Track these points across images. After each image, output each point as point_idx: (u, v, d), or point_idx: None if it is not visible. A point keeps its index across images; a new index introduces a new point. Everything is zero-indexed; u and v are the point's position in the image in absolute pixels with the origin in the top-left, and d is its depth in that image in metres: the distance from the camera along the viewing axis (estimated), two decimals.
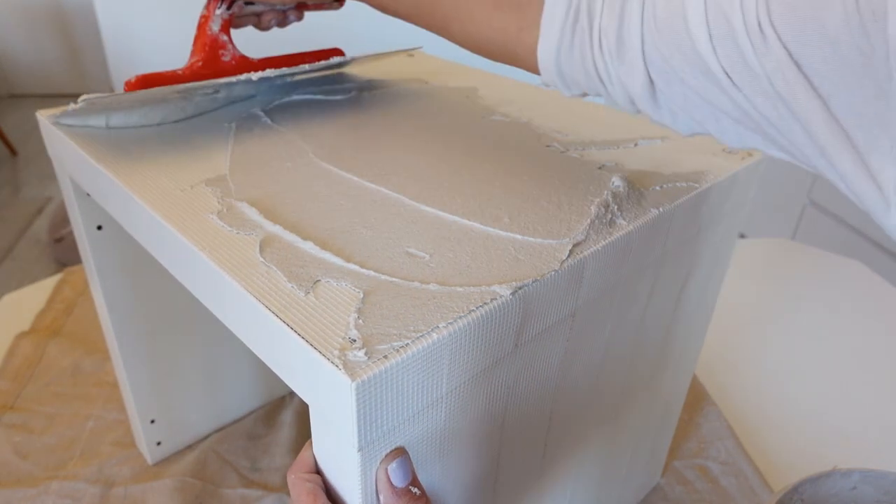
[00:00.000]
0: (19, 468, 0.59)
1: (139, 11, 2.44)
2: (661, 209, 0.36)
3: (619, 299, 0.37)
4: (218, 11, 0.45)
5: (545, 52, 0.32)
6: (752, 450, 0.66)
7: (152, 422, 0.59)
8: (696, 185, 0.40)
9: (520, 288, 0.29)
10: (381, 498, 0.26)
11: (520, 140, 0.45)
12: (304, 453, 0.29)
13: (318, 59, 0.51)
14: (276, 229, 0.33)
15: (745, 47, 0.25)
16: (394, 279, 0.29)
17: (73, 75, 3.45)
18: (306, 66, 0.49)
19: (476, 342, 0.28)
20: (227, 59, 0.46)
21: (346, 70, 0.57)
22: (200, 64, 0.45)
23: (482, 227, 0.34)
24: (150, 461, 0.60)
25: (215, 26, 0.46)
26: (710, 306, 0.51)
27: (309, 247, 0.31)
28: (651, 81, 0.30)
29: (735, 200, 0.44)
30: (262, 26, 0.49)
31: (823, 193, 1.83)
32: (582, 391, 0.38)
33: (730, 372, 0.76)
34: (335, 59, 0.51)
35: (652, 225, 0.36)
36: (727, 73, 0.27)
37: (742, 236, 1.93)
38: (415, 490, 0.26)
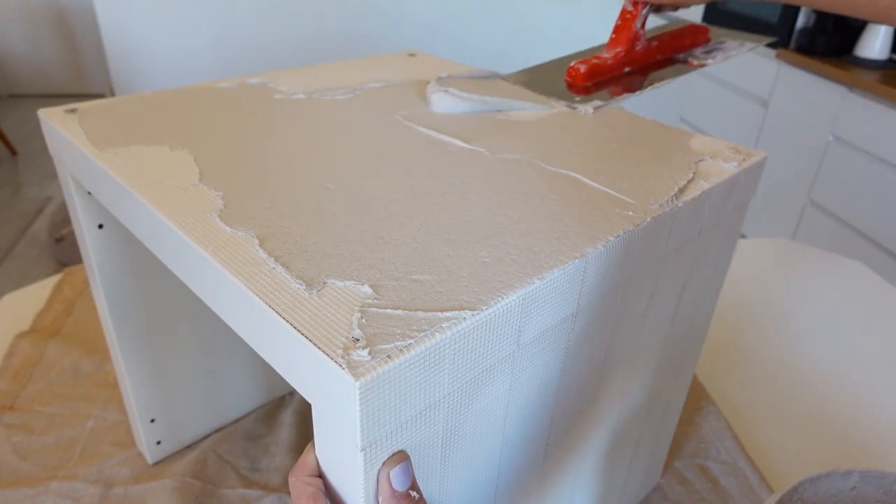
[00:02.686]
0: (19, 468, 0.59)
1: (139, 11, 2.44)
2: (662, 210, 0.36)
3: (620, 300, 0.37)
4: (644, 11, 0.53)
5: None
6: (752, 450, 0.66)
7: (152, 421, 0.59)
8: (698, 186, 0.40)
9: (522, 289, 0.29)
10: (381, 501, 0.26)
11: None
12: (305, 455, 0.29)
13: (690, 44, 0.58)
14: (280, 228, 0.33)
15: None
16: (398, 279, 0.29)
17: (73, 75, 3.45)
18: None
19: (479, 342, 0.28)
20: (638, 48, 0.54)
21: None
22: (622, 54, 0.53)
23: (485, 229, 0.34)
24: (150, 461, 0.60)
25: (638, 23, 0.53)
26: (711, 306, 0.51)
27: (313, 246, 0.31)
28: None
29: (736, 201, 0.45)
30: (659, 12, 0.58)
31: (823, 193, 1.83)
32: (583, 392, 0.38)
33: (730, 372, 0.76)
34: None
35: (653, 225, 0.36)
36: None
37: (742, 236, 1.94)
38: (414, 494, 0.26)
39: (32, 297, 0.83)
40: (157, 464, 0.61)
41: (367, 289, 0.28)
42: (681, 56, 0.57)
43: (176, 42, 2.51)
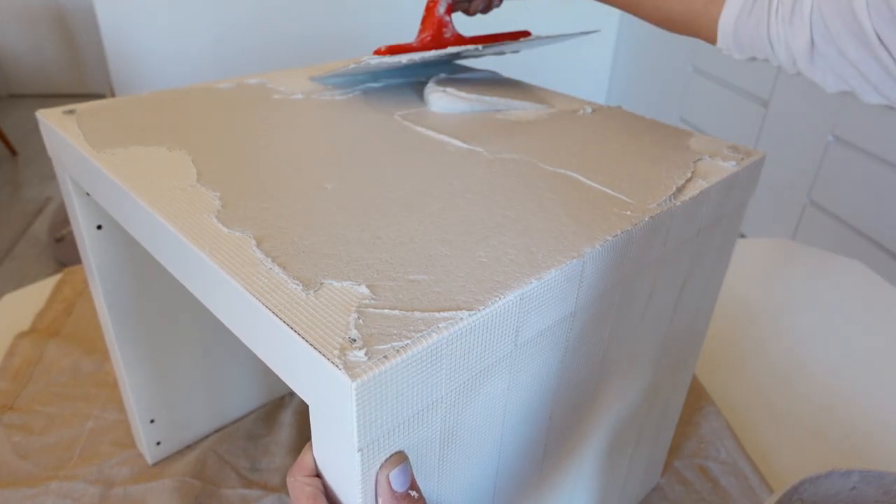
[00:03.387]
0: (19, 468, 0.59)
1: (139, 11, 2.44)
2: (660, 209, 0.36)
3: (619, 299, 0.37)
4: None
5: (726, 20, 0.41)
6: (752, 450, 0.66)
7: (152, 422, 0.59)
8: (696, 185, 0.40)
9: (520, 289, 0.29)
10: (380, 502, 0.26)
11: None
12: (303, 456, 0.29)
13: (508, 39, 0.60)
14: (277, 228, 0.33)
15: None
16: (394, 279, 0.29)
17: (73, 75, 3.45)
18: (479, 47, 0.57)
19: (476, 342, 0.28)
20: (447, 35, 0.57)
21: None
22: (429, 39, 0.56)
23: (482, 229, 0.34)
24: (149, 461, 0.60)
25: (441, 9, 0.57)
26: (711, 306, 0.51)
27: (310, 246, 0.31)
28: (812, 42, 0.38)
29: (735, 200, 0.44)
30: (469, 12, 0.61)
31: (823, 193, 1.83)
32: (582, 391, 0.38)
33: (730, 372, 0.76)
34: (523, 41, 0.61)
35: (652, 225, 0.36)
36: (877, 34, 0.35)
37: (742, 236, 1.93)
38: (413, 493, 0.26)
39: (32, 297, 0.83)
40: (157, 464, 0.61)
41: (364, 289, 0.28)
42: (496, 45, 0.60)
43: (176, 42, 2.51)
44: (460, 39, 0.58)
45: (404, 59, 0.51)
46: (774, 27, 0.40)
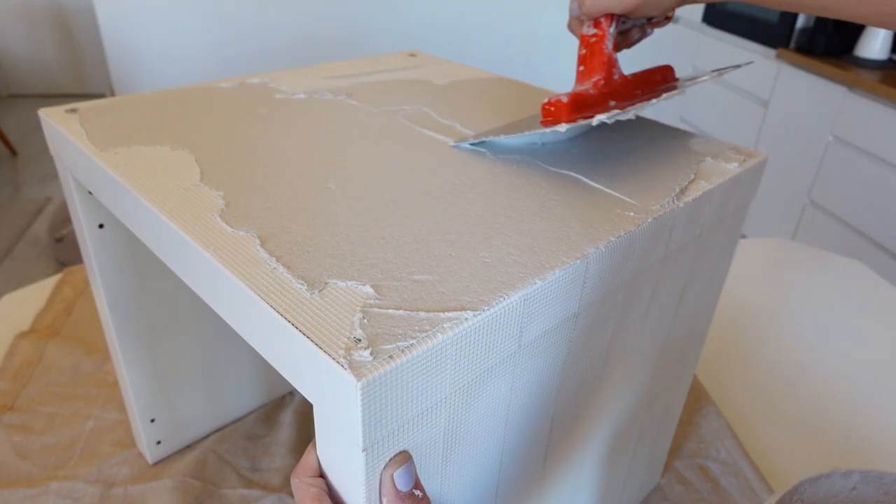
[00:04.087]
0: (19, 468, 0.59)
1: (139, 11, 2.44)
2: (663, 211, 0.36)
3: (621, 300, 0.37)
4: (612, 30, 0.45)
5: None
6: (752, 450, 0.66)
7: (152, 421, 0.59)
8: (699, 186, 0.40)
9: (524, 289, 0.29)
10: (385, 501, 0.26)
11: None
12: (307, 456, 0.29)
13: (662, 81, 0.51)
14: (281, 228, 0.33)
15: None
16: (399, 279, 0.29)
17: (73, 75, 3.45)
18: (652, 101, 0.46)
19: (480, 343, 0.28)
20: (616, 77, 0.46)
21: None
22: (603, 83, 0.45)
23: (486, 229, 0.34)
24: (150, 460, 0.60)
25: (609, 44, 0.45)
26: (712, 307, 0.51)
27: (314, 246, 0.31)
28: None
29: (737, 202, 0.45)
30: (627, 43, 0.50)
31: (823, 193, 1.83)
32: (584, 392, 0.38)
33: (730, 372, 0.76)
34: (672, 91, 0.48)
35: (654, 227, 0.36)
36: None
37: (742, 236, 1.94)
38: (417, 493, 0.26)
39: (32, 297, 0.83)
40: (157, 464, 0.61)
41: (368, 289, 0.28)
42: (658, 90, 0.49)
43: (176, 42, 2.51)
44: (626, 82, 0.47)
45: (594, 121, 0.39)
46: None
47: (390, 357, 0.24)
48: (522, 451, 0.36)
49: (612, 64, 0.45)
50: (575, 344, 0.34)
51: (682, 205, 0.38)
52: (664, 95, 0.44)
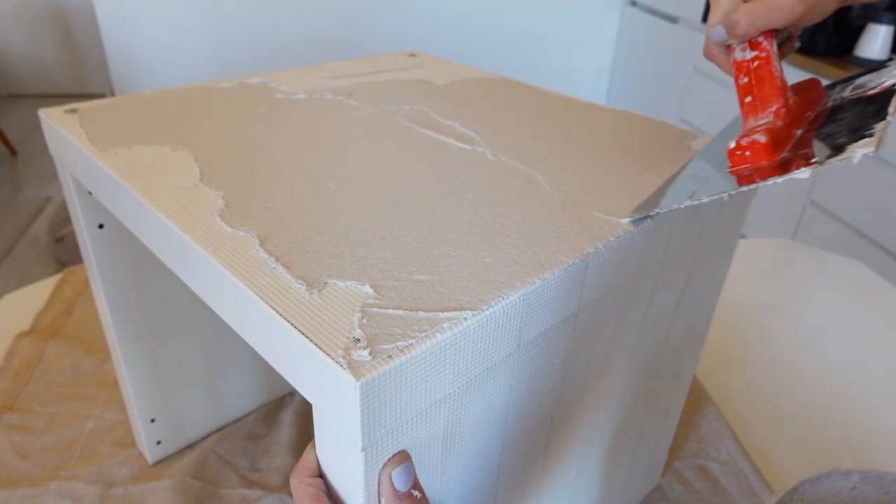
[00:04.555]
0: (19, 468, 0.59)
1: (139, 11, 2.44)
2: (662, 211, 0.36)
3: (620, 300, 0.37)
4: (775, 48, 0.37)
5: None
6: (752, 450, 0.66)
7: (152, 421, 0.59)
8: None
9: (523, 289, 0.29)
10: (383, 501, 0.26)
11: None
12: (306, 456, 0.29)
13: (818, 98, 0.41)
14: (281, 228, 0.33)
15: None
16: (398, 279, 0.29)
17: (73, 75, 3.45)
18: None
19: (479, 342, 0.28)
20: (791, 102, 0.38)
21: None
22: (784, 111, 0.37)
23: (486, 229, 0.34)
24: (150, 460, 0.60)
25: (778, 65, 0.37)
26: (712, 307, 0.51)
27: (314, 246, 0.31)
28: None
29: (737, 202, 0.45)
30: (782, 55, 0.41)
31: (823, 193, 1.83)
32: (583, 392, 0.38)
33: (730, 372, 0.76)
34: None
35: (654, 227, 0.36)
36: None
37: (742, 236, 1.93)
38: (416, 493, 0.26)
39: (32, 297, 0.83)
40: (157, 464, 0.61)
41: (367, 289, 0.28)
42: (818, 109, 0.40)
43: (176, 42, 2.51)
44: (798, 104, 0.38)
45: (779, 179, 0.32)
46: None
47: (389, 357, 0.24)
48: (522, 451, 0.36)
49: (785, 87, 0.37)
50: (574, 344, 0.34)
51: (681, 205, 0.37)
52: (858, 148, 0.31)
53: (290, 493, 0.59)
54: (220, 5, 2.49)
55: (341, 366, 0.24)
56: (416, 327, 0.26)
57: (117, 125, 0.46)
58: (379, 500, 0.26)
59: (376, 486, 0.26)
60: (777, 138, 0.34)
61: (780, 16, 0.35)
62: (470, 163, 0.42)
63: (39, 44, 3.33)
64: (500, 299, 0.28)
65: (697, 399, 0.71)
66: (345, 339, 0.25)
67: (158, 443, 0.60)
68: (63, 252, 1.90)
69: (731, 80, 0.49)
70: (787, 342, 0.82)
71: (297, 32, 2.59)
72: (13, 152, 2.74)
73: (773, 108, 0.37)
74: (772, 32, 0.37)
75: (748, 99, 0.38)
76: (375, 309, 0.27)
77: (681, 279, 0.43)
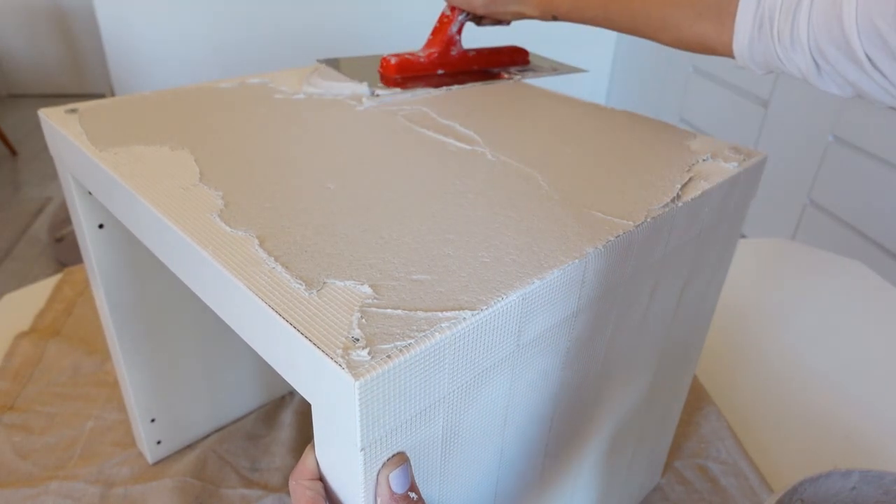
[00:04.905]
0: (19, 468, 0.59)
1: (139, 11, 2.44)
2: (662, 210, 0.36)
3: (620, 299, 0.37)
4: (460, 17, 0.58)
5: (739, 47, 0.44)
6: (752, 450, 0.66)
7: (152, 421, 0.59)
8: (698, 186, 0.40)
9: (522, 289, 0.29)
10: (379, 502, 0.26)
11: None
12: (305, 458, 0.29)
13: (508, 62, 0.64)
14: (280, 228, 0.33)
15: (889, 38, 0.35)
16: (397, 279, 0.29)
17: (73, 75, 3.45)
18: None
19: (478, 342, 0.28)
20: (454, 53, 0.59)
21: None
22: (436, 55, 0.57)
23: (485, 229, 0.34)
24: (150, 460, 0.60)
25: (454, 28, 0.58)
26: (711, 307, 0.51)
27: (313, 245, 0.31)
28: (816, 64, 0.41)
29: (737, 201, 0.44)
30: (480, 24, 0.63)
31: (823, 193, 1.83)
32: (583, 391, 0.38)
33: (730, 372, 0.76)
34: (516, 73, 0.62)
35: (653, 226, 0.36)
36: (868, 58, 0.37)
37: (742, 236, 1.93)
38: (413, 495, 0.26)
39: (32, 297, 0.83)
40: (157, 464, 0.61)
41: (366, 289, 0.28)
42: (495, 70, 0.61)
43: (176, 42, 2.51)
44: (464, 57, 0.59)
45: (409, 94, 0.52)
46: (781, 52, 0.42)
47: (388, 357, 0.24)
48: (521, 452, 0.36)
49: (451, 43, 0.58)
50: (574, 343, 0.34)
51: (681, 204, 0.38)
52: (473, 83, 0.56)
53: (289, 494, 0.59)
54: (220, 5, 2.49)
55: (340, 365, 0.24)
56: (414, 327, 0.26)
57: (117, 125, 0.46)
58: (375, 502, 0.26)
59: (374, 487, 0.26)
60: (405, 65, 0.56)
61: (464, 3, 0.58)
62: (469, 163, 0.42)
63: (39, 44, 3.33)
64: (500, 299, 0.28)
65: (697, 399, 0.71)
66: (344, 339, 0.25)
67: (158, 443, 0.60)
68: (63, 252, 1.90)
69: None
70: (787, 342, 0.82)
71: (297, 32, 2.59)
72: (13, 152, 2.74)
73: (430, 52, 0.58)
74: (461, 10, 0.58)
75: (429, 37, 0.59)
76: (374, 309, 0.27)
77: (680, 279, 0.43)
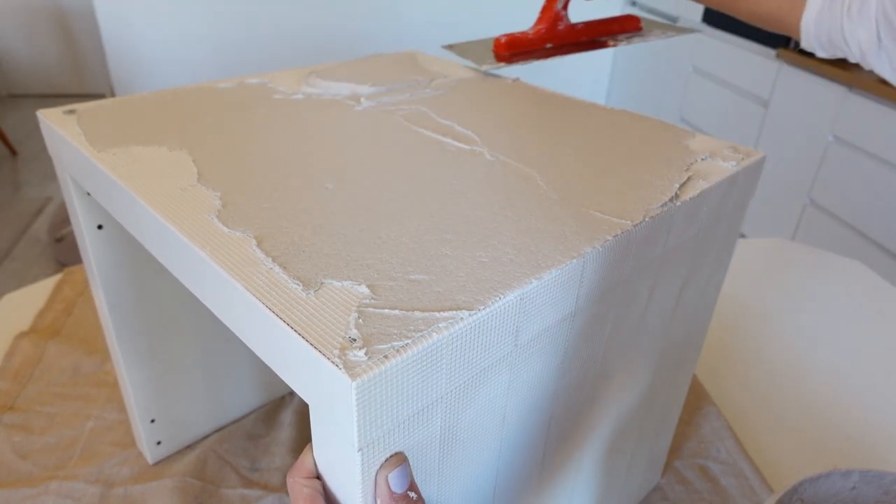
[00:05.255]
0: (19, 468, 0.59)
1: (139, 11, 2.44)
2: (661, 209, 0.36)
3: (619, 299, 0.37)
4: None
5: (807, 20, 0.45)
6: (752, 450, 0.66)
7: (152, 421, 0.59)
8: (696, 185, 0.40)
9: (520, 289, 0.29)
10: (379, 502, 0.26)
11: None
12: (303, 457, 0.29)
13: (619, 30, 0.65)
14: (278, 228, 0.33)
15: None
16: (395, 279, 0.29)
17: (73, 75, 3.45)
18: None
19: (476, 342, 0.28)
20: (561, 27, 0.61)
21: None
22: (544, 31, 0.60)
23: (483, 228, 0.34)
24: (150, 461, 0.60)
25: (560, 4, 0.61)
26: (711, 306, 0.51)
27: (311, 246, 0.31)
28: (878, 38, 0.40)
29: (736, 201, 0.44)
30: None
31: (823, 193, 1.83)
32: (582, 391, 0.38)
33: (730, 372, 0.76)
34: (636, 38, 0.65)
35: (651, 226, 0.36)
36: None
37: (742, 236, 1.93)
38: (412, 495, 0.26)
39: (32, 297, 0.83)
40: (157, 464, 0.61)
41: (364, 289, 0.28)
42: (604, 39, 0.63)
43: (176, 42, 2.51)
44: (572, 30, 0.62)
45: (515, 66, 0.58)
46: (847, 24, 0.43)
47: (385, 357, 0.24)
48: (520, 452, 0.36)
49: (557, 18, 0.61)
50: (572, 343, 0.34)
51: (679, 204, 0.37)
52: (577, 52, 0.60)
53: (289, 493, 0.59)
54: (220, 5, 2.49)
55: (337, 366, 0.24)
56: (412, 327, 0.26)
57: (115, 126, 0.46)
58: (375, 502, 0.26)
59: (373, 487, 0.26)
60: (514, 42, 0.59)
61: None
62: (468, 162, 0.42)
63: (39, 44, 3.34)
64: (497, 299, 0.28)
65: (697, 399, 0.70)
66: (341, 339, 0.25)
67: (158, 443, 0.60)
68: (63, 252, 1.90)
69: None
70: (787, 342, 0.82)
71: (296, 33, 2.59)
72: (13, 152, 2.74)
73: (538, 28, 0.61)
74: None
75: (539, 15, 0.62)
76: (372, 309, 0.27)
77: (679, 278, 0.43)
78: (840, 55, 0.47)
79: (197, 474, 0.59)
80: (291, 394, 0.70)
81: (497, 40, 0.59)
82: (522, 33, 0.60)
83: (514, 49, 0.59)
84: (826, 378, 0.76)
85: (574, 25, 0.62)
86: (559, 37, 0.62)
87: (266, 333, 0.28)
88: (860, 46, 0.42)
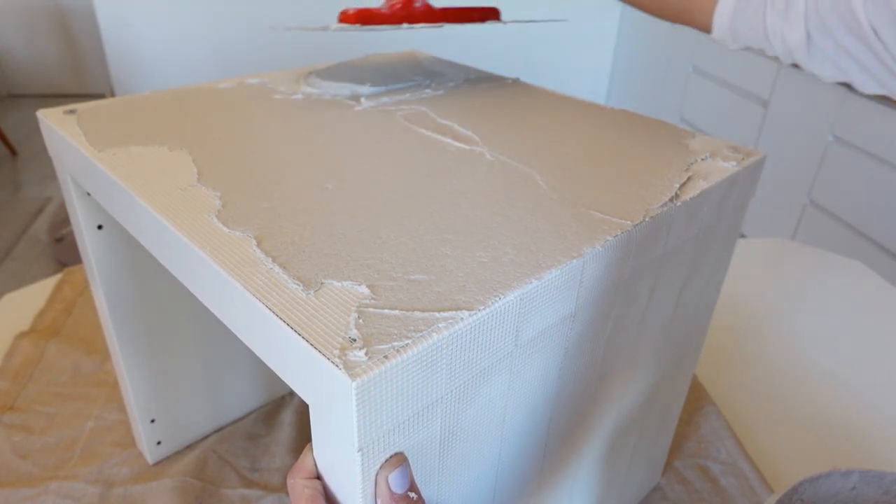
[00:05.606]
0: (19, 468, 0.59)
1: (139, 11, 2.44)
2: (661, 209, 0.36)
3: (619, 299, 0.37)
4: None
5: (722, 12, 0.42)
6: (752, 450, 0.66)
7: (152, 421, 0.59)
8: (697, 185, 0.40)
9: (520, 289, 0.29)
10: (379, 502, 0.26)
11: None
12: (303, 457, 0.29)
13: (479, 19, 0.62)
14: (278, 228, 0.33)
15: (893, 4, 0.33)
16: (395, 279, 0.29)
17: (73, 75, 3.45)
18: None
19: (476, 342, 0.28)
20: (418, 5, 0.57)
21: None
22: (399, 7, 0.56)
23: (483, 229, 0.34)
24: (150, 461, 0.60)
25: None
26: (711, 306, 0.51)
27: (311, 246, 0.31)
28: (808, 35, 0.39)
29: (736, 201, 0.44)
30: None
31: (823, 193, 1.83)
32: (582, 391, 0.38)
33: (730, 372, 0.76)
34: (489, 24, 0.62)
35: (652, 225, 0.36)
36: (874, 29, 0.35)
37: (742, 236, 1.93)
38: (412, 495, 0.26)
39: (32, 297, 0.83)
40: (157, 464, 0.61)
41: (364, 289, 0.28)
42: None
43: (176, 42, 2.51)
44: (429, 10, 0.57)
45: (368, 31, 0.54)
46: (771, 20, 0.40)
47: (385, 357, 0.24)
48: (520, 452, 0.36)
49: None
50: (572, 343, 0.34)
51: (679, 204, 0.37)
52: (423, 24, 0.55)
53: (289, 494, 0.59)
54: (220, 5, 2.49)
55: (337, 366, 0.24)
56: (412, 327, 0.26)
57: (115, 126, 0.46)
58: (375, 502, 0.26)
59: (373, 487, 0.26)
60: (364, 16, 0.54)
61: None
62: (468, 162, 0.42)
63: (39, 44, 3.34)
64: (497, 299, 0.28)
65: (697, 399, 0.70)
66: (341, 340, 0.25)
67: (158, 443, 0.60)
68: (63, 252, 1.90)
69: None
70: (787, 342, 0.82)
71: (296, 33, 2.59)
72: (13, 152, 2.74)
73: (392, 3, 0.56)
74: None
75: None
76: (372, 309, 0.27)
77: (679, 278, 0.43)
78: (756, 48, 0.44)
79: (197, 474, 0.59)
80: (291, 394, 0.70)
81: (344, 12, 0.55)
82: (376, 9, 0.56)
83: (364, 23, 0.55)
84: (826, 378, 0.76)
85: (431, 6, 0.58)
86: (415, 16, 0.57)
87: (266, 333, 0.28)
88: (785, 45, 0.40)
